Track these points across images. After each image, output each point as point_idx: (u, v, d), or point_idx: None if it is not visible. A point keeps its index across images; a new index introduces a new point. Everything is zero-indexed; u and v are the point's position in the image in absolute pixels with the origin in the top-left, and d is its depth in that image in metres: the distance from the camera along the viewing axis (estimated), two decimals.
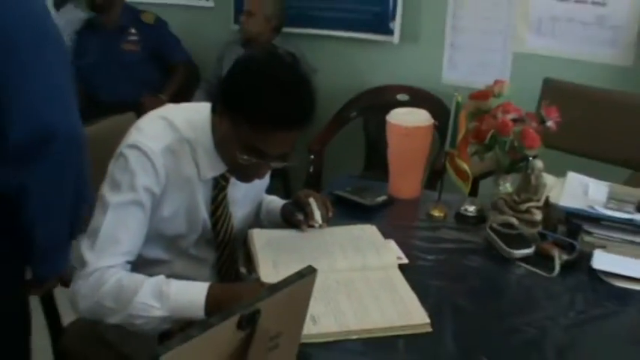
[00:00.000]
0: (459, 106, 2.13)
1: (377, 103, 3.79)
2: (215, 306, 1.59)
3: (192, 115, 1.86)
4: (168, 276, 1.83)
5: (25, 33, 1.68)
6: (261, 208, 2.22)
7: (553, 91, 3.38)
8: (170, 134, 1.82)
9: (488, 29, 3.88)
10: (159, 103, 2.01)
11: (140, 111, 2.05)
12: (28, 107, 1.67)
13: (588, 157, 3.24)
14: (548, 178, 2.18)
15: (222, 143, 1.81)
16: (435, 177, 3.22)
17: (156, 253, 1.93)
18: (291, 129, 1.70)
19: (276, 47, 3.85)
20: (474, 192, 2.34)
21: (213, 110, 1.82)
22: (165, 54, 4.15)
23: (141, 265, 1.85)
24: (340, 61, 4.18)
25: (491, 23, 3.87)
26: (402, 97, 3.85)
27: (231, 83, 1.73)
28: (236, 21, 4.20)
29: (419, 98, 3.77)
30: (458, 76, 3.87)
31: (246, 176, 1.85)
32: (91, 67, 3.96)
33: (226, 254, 2.03)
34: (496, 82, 2.21)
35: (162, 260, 1.95)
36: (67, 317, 2.16)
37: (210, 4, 4.49)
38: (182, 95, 3.91)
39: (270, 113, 1.65)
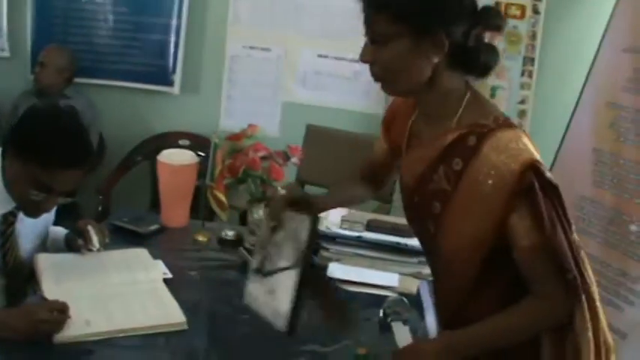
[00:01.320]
0: (216, 146, 2.52)
1: (161, 148, 4.02)
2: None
3: None
4: None
5: None
6: (47, 238, 2.46)
7: (314, 134, 3.86)
8: None
9: (261, 82, 4.32)
10: None
11: None
12: None
13: None
14: None
15: (13, 183, 2.08)
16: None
17: None
18: (73, 168, 2.03)
19: (68, 97, 4.04)
20: (243, 222, 2.72)
21: (3, 153, 2.09)
22: None
23: None
24: (128, 110, 4.44)
25: (263, 76, 4.32)
26: (183, 142, 4.16)
27: (21, 131, 2.04)
28: (32, 71, 4.25)
29: (199, 143, 4.09)
30: (234, 122, 4.12)
31: (35, 210, 2.13)
32: None
33: (16, 280, 2.26)
34: (249, 125, 2.60)
35: None
36: None
37: (7, 54, 4.53)
38: None
39: (57, 155, 1.98)
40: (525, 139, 1.57)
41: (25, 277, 2.28)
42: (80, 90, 4.22)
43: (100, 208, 3.96)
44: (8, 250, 2.21)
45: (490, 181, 1.54)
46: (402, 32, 1.55)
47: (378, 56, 1.58)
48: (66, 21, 4.37)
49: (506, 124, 1.60)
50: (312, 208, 1.77)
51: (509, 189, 1.52)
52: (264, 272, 1.82)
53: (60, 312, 1.88)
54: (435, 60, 1.57)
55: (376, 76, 1.61)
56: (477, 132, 1.58)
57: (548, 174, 1.55)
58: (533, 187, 1.52)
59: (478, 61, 1.61)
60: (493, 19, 1.61)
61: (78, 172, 2.06)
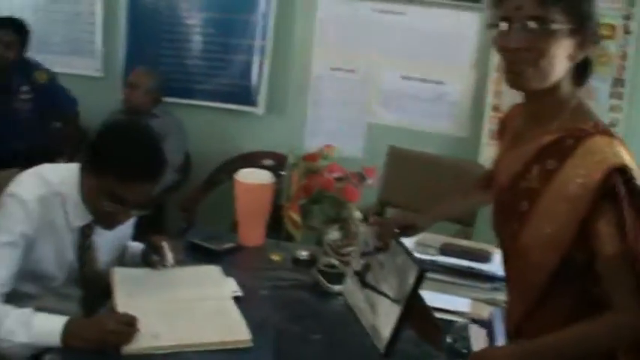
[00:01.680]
0: (292, 166, 2.53)
1: (245, 167, 4.07)
2: (70, 335, 1.90)
3: (64, 172, 2.20)
4: (39, 309, 2.11)
5: None
6: (126, 252, 2.52)
7: (396, 156, 3.82)
8: (43, 187, 2.14)
9: (345, 102, 4.33)
10: None
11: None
12: None
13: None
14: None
15: (89, 195, 2.13)
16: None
17: (28, 287, 2.19)
18: (147, 181, 2.08)
19: (156, 116, 4.16)
20: (319, 243, 2.73)
21: (82, 168, 2.15)
22: (58, 108, 4.35)
23: (14, 297, 2.12)
24: (214, 129, 4.53)
25: (348, 97, 4.32)
26: (267, 162, 4.16)
27: (98, 144, 2.11)
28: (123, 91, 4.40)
29: (282, 163, 4.04)
30: (318, 142, 4.10)
31: (109, 223, 2.18)
32: None
33: (92, 292, 2.32)
34: (326, 146, 2.60)
35: (33, 295, 2.21)
36: None
37: (100, 74, 4.75)
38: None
39: (132, 168, 2.03)
40: (621, 147, 1.56)
41: (102, 290, 2.32)
42: (168, 109, 4.33)
43: (184, 225, 4.02)
44: (85, 262, 2.27)
45: (579, 180, 1.53)
46: (566, 23, 1.55)
47: (534, 44, 1.56)
48: (157, 42, 4.52)
49: (605, 131, 1.60)
50: (418, 230, 2.06)
51: (595, 190, 1.51)
52: (364, 282, 2.01)
53: (129, 325, 1.91)
54: (579, 58, 1.60)
55: (522, 65, 1.59)
56: (576, 135, 1.58)
57: (639, 181, 1.52)
58: (618, 191, 1.50)
59: (589, 70, 1.64)
60: (599, 31, 1.63)
61: (151, 185, 2.11)
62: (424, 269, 1.76)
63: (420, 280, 1.76)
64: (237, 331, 2.02)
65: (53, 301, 2.24)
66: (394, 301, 1.83)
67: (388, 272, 1.90)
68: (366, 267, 2.03)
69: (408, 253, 1.86)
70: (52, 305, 2.19)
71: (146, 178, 2.08)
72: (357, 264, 2.09)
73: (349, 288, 2.14)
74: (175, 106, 4.43)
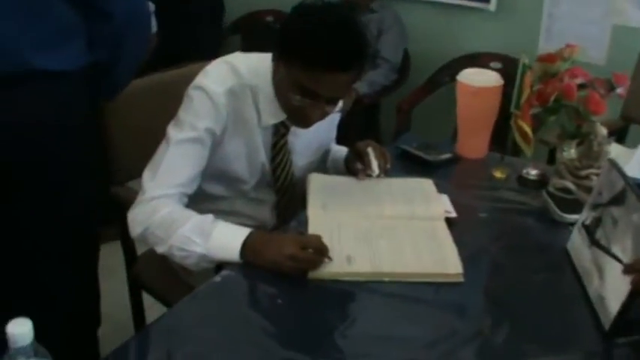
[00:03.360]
0: (525, 68, 2.10)
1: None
2: (250, 252, 1.64)
3: (256, 63, 1.91)
4: (229, 212, 1.92)
5: None
6: (327, 157, 2.25)
7: None
8: (233, 79, 1.87)
9: (589, 0, 3.73)
10: None
11: None
12: None
13: None
14: (616, 148, 2.11)
15: (279, 88, 1.85)
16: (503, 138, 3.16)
17: (218, 189, 2.00)
18: (339, 71, 1.72)
19: (374, 11, 3.91)
20: (551, 160, 2.31)
21: (273, 58, 1.85)
22: None
23: (204, 199, 1.94)
24: (437, 26, 4.13)
25: None
26: (495, 64, 3.74)
27: (286, 29, 1.79)
28: None
29: (512, 66, 3.66)
30: (554, 46, 3.69)
31: (302, 119, 1.87)
32: None
33: (286, 198, 2.08)
34: (567, 45, 2.15)
35: (224, 197, 2.02)
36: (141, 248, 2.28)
37: None
38: None
39: (320, 54, 1.69)
40: None
41: (297, 196, 2.08)
42: (388, 4, 4.03)
43: (397, 129, 3.73)
44: (279, 164, 2.01)
45: None
46: None
47: None
48: None
49: None
50: None
51: None
52: (592, 239, 1.64)
53: (316, 251, 1.62)
54: None
55: None
56: None
57: None
58: None
59: None
60: None
61: (345, 77, 1.75)
62: None
63: None
64: (447, 262, 1.68)
65: (245, 204, 2.06)
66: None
67: (622, 231, 1.52)
68: (597, 221, 1.65)
69: None
70: (243, 209, 2.06)
71: (337, 67, 1.72)
72: (585, 215, 1.72)
73: (575, 242, 1.75)
74: (395, 1, 4.09)
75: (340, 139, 2.31)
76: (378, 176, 2.04)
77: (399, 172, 2.14)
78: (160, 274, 2.20)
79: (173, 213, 1.75)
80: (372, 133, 3.89)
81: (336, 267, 1.62)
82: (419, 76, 4.03)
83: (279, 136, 1.98)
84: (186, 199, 1.84)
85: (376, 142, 2.12)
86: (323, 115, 1.86)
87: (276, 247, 1.62)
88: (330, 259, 1.62)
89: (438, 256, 1.69)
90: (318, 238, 1.65)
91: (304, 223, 1.83)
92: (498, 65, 3.74)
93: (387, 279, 1.62)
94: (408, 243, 1.75)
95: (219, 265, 1.72)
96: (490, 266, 1.76)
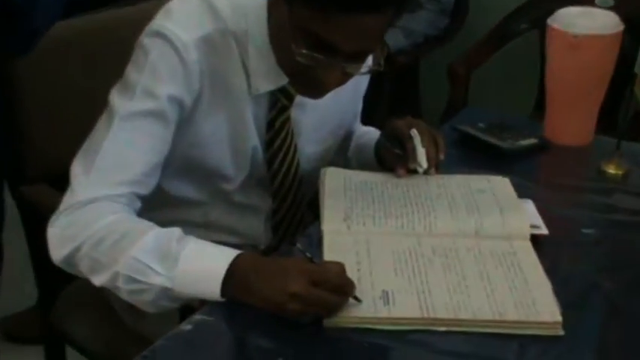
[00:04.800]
0: None
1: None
2: (238, 286, 1.61)
3: (244, 0, 1.90)
4: (204, 225, 1.97)
5: None
6: (349, 142, 2.27)
7: None
8: (210, 22, 1.86)
9: None
10: None
11: None
12: None
13: None
14: None
15: (279, 37, 1.83)
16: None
17: (187, 190, 2.01)
18: (365, 11, 1.69)
19: None
20: None
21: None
22: None
23: (165, 204, 1.96)
24: None
25: None
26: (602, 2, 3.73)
27: None
28: None
29: (634, 6, 3.68)
30: None
31: (312, 85, 1.86)
32: None
33: (287, 204, 2.10)
34: None
35: (196, 202, 2.02)
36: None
37: None
38: None
39: None
40: None
41: (304, 202, 2.13)
42: None
43: (449, 101, 3.79)
44: (277, 152, 2.02)
45: None
46: None
47: None
48: None
49: None
50: None
51: None
52: None
53: (337, 291, 1.59)
54: None
55: None
56: None
57: None
58: None
59: None
60: None
61: (375, 21, 1.73)
62: None
63: None
64: (537, 304, 1.66)
65: (227, 213, 2.08)
66: None
67: None
68: None
69: None
70: (224, 220, 2.08)
71: (362, 5, 1.69)
72: None
73: None
74: None
75: (365, 118, 2.34)
76: (428, 172, 2.06)
77: (458, 166, 2.18)
78: (92, 320, 2.22)
79: (120, 224, 1.71)
80: (409, 107, 3.94)
81: (365, 310, 1.60)
82: (481, 23, 4.12)
83: (277, 110, 1.97)
84: (139, 204, 1.82)
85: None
86: (342, 80, 1.85)
87: (276, 279, 1.59)
88: (357, 299, 1.60)
89: (522, 296, 1.68)
90: (337, 267, 1.63)
91: (316, 242, 1.84)
92: (610, 2, 3.70)
93: (442, 328, 1.60)
94: (474, 274, 1.75)
95: (189, 306, 1.71)
96: (602, 311, 1.76)
